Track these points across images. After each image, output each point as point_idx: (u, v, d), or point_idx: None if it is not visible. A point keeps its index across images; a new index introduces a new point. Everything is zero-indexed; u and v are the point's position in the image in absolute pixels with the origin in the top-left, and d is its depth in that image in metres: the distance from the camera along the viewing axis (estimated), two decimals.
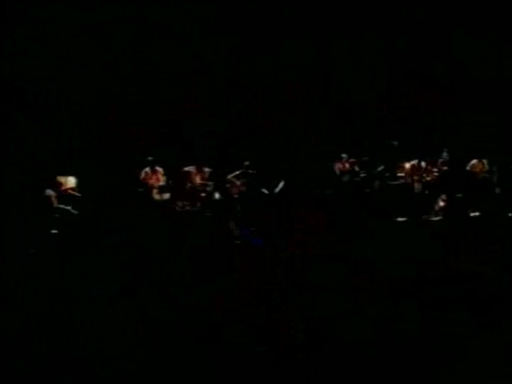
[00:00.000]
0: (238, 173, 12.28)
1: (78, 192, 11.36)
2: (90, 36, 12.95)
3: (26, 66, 12.51)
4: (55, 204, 10.93)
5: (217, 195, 11.97)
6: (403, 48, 13.89)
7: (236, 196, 11.98)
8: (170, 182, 12.21)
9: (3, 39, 12.49)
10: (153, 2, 13.11)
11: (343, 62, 13.98)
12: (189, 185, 12.25)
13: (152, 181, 12.25)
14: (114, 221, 10.56)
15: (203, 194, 12.05)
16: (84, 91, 12.92)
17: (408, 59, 13.90)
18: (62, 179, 11.37)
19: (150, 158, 12.29)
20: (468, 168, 12.49)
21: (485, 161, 12.46)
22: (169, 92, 13.33)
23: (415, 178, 12.45)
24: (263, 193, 12.13)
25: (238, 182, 12.12)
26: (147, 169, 12.29)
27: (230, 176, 12.25)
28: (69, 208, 10.96)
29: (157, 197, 12.16)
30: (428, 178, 12.47)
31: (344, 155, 12.96)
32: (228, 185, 12.13)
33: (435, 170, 12.57)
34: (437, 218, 11.88)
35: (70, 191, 11.30)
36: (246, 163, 12.42)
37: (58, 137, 12.67)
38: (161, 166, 12.29)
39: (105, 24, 12.92)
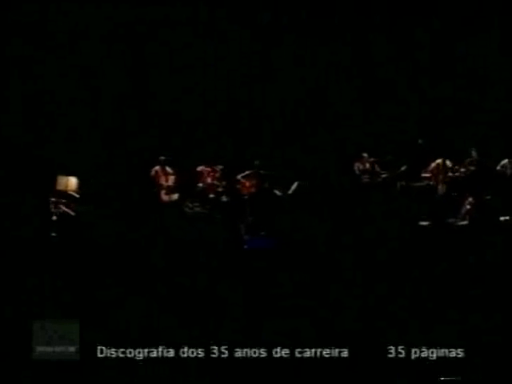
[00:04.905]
0: (248, 172, 11.65)
1: (80, 193, 10.91)
2: (99, 33, 12.77)
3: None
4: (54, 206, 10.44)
5: (224, 198, 11.40)
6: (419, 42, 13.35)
7: (246, 197, 11.35)
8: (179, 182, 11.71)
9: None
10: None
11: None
12: (199, 185, 11.72)
13: (161, 180, 11.76)
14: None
15: (212, 196, 11.50)
16: (92, 89, 12.71)
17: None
18: (62, 179, 10.95)
19: (161, 158, 11.81)
20: (498, 168, 11.77)
21: None
22: (180, 89, 12.99)
23: (440, 178, 11.69)
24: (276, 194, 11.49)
25: (248, 183, 11.47)
26: (157, 167, 11.81)
27: (239, 176, 11.63)
28: (68, 210, 10.48)
29: (165, 197, 11.66)
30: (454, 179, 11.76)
31: (364, 154, 12.24)
32: (237, 185, 11.52)
33: (462, 169, 11.83)
34: (463, 223, 11.09)
35: (70, 192, 10.85)
36: (257, 162, 11.79)
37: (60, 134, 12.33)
38: (171, 165, 11.81)
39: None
